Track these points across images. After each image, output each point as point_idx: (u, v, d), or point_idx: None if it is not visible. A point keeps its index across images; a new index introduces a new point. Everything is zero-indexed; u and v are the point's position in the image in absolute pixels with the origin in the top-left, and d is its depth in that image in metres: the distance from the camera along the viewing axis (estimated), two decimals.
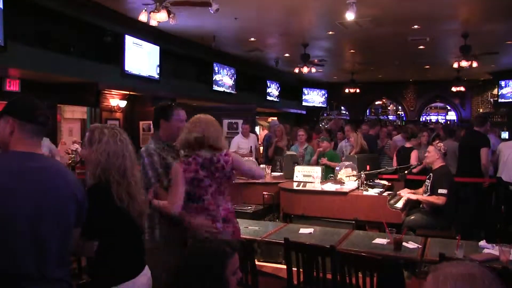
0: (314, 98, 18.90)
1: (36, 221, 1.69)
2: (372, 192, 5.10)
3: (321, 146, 6.90)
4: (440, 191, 4.46)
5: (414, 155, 6.05)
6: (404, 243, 3.28)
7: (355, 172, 5.54)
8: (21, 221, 1.66)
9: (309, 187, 5.33)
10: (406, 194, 4.96)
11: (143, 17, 6.35)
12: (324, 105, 19.61)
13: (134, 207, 2.09)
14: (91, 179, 2.09)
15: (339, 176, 5.70)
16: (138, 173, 2.25)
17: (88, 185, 2.10)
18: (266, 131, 12.21)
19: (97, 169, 2.06)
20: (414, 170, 5.67)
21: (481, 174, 5.88)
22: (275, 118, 16.04)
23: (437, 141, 4.88)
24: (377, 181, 5.83)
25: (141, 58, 9.16)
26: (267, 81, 15.38)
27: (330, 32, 9.80)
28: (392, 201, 4.92)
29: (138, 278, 2.11)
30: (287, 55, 12.64)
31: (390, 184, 5.86)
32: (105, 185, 2.04)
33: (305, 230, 3.79)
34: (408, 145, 6.39)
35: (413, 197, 4.86)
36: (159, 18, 6.18)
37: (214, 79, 11.94)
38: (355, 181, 5.45)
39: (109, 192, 2.03)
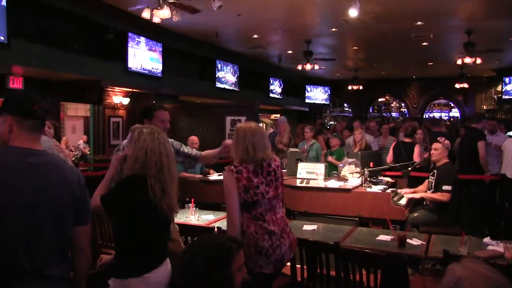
0: (317, 95, 18.86)
1: (31, 216, 1.66)
2: (376, 189, 5.09)
3: (331, 142, 6.98)
4: (445, 187, 4.44)
5: (417, 150, 6.03)
6: (408, 240, 3.28)
7: (358, 169, 5.53)
8: (16, 217, 1.64)
9: (312, 184, 5.32)
10: (408, 195, 4.93)
11: (146, 14, 6.33)
12: (327, 102, 19.58)
13: (165, 201, 2.21)
14: (129, 172, 2.23)
15: (342, 173, 5.69)
16: (176, 171, 2.36)
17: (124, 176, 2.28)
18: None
19: (135, 164, 2.20)
20: (418, 166, 5.62)
21: (481, 168, 5.92)
22: (279, 115, 16.03)
23: (443, 139, 4.84)
24: (381, 178, 5.82)
25: (144, 55, 9.17)
26: (270, 78, 15.35)
27: (333, 29, 9.77)
28: (395, 198, 4.90)
29: (159, 269, 2.19)
30: (290, 52, 12.61)
31: (393, 181, 5.85)
32: (142, 177, 2.18)
33: (308, 227, 3.79)
34: (407, 140, 6.33)
35: (417, 195, 4.84)
36: (162, 15, 6.16)
37: (217, 76, 11.93)
38: (358, 178, 5.44)
39: (145, 184, 2.16)
